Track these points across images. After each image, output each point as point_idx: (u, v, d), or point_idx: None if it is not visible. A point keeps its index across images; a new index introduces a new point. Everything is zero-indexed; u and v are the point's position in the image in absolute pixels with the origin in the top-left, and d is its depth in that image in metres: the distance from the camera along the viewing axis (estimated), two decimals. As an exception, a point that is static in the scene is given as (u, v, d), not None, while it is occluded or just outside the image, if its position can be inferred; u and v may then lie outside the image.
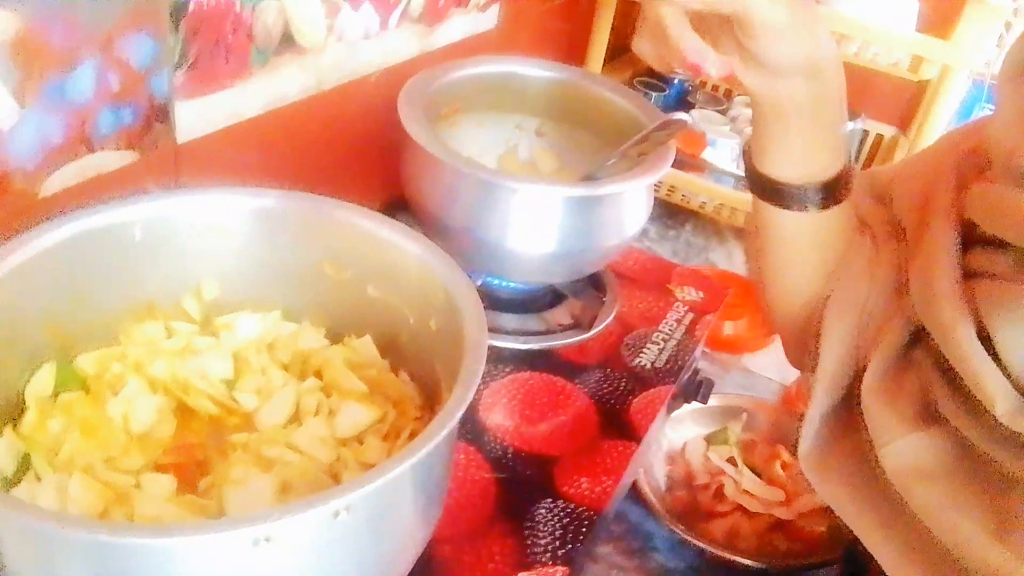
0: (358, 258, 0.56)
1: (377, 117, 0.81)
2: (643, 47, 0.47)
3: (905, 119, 1.30)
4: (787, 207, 0.52)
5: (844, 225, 0.54)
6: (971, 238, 0.46)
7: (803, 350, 0.54)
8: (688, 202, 1.18)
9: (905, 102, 1.25)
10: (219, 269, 0.57)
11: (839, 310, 0.51)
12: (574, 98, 0.90)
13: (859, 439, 0.48)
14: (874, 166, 1.32)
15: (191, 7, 0.60)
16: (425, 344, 0.54)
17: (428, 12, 0.89)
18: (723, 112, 1.29)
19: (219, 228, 0.55)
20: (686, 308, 0.87)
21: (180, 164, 0.66)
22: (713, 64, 0.45)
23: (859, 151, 1.29)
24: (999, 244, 0.44)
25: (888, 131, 1.31)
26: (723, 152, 1.18)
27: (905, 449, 0.44)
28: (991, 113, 0.48)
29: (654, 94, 1.24)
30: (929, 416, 0.45)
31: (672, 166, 0.73)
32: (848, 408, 0.50)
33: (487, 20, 1.01)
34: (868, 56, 0.99)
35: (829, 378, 0.50)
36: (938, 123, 1.23)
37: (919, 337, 0.48)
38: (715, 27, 0.46)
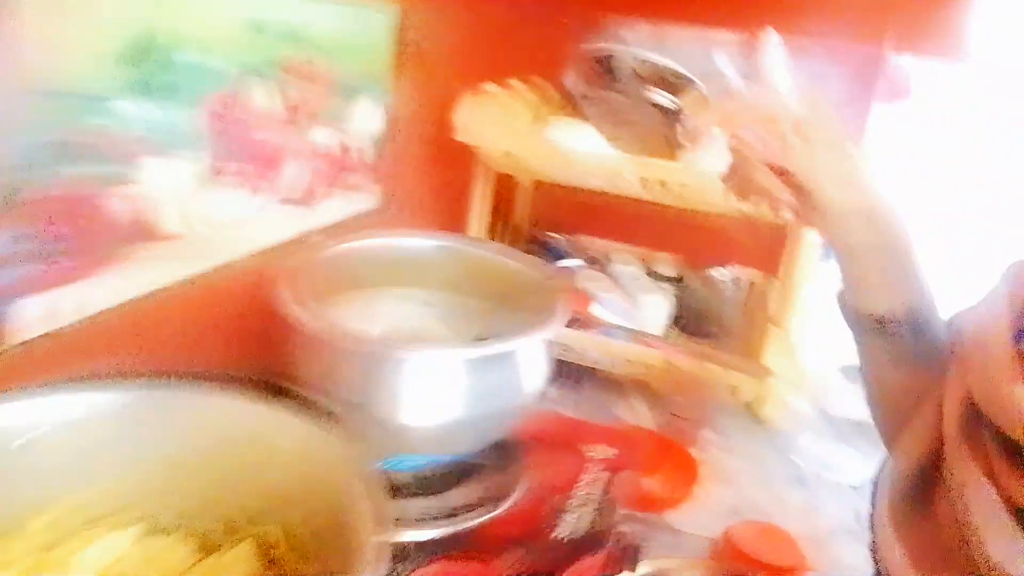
0: (229, 452, 0.50)
1: (253, 300, 0.76)
2: (736, 190, 0.57)
3: (771, 263, 1.36)
4: (878, 336, 0.57)
5: (933, 360, 0.57)
6: None
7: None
8: (583, 359, 1.16)
9: (768, 246, 1.31)
10: (69, 480, 0.49)
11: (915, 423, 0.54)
12: (461, 265, 0.89)
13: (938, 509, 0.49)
14: (750, 304, 1.37)
15: (32, 195, 0.56)
16: (311, 550, 0.47)
17: (306, 193, 0.88)
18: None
19: (65, 432, 0.48)
20: (600, 467, 0.82)
21: (23, 364, 0.58)
22: (787, 201, 0.54)
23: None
24: None
25: (757, 276, 1.37)
26: (610, 306, 1.19)
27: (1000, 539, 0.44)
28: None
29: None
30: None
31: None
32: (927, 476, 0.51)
33: (369, 199, 1.01)
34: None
35: (910, 456, 0.53)
36: (804, 261, 1.30)
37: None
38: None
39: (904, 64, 1.27)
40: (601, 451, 0.85)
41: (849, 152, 0.54)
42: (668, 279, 1.32)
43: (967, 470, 0.46)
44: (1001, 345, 0.47)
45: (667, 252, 1.40)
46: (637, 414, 1.13)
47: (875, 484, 0.56)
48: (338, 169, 0.94)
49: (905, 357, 0.58)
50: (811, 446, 1.10)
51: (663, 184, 1.06)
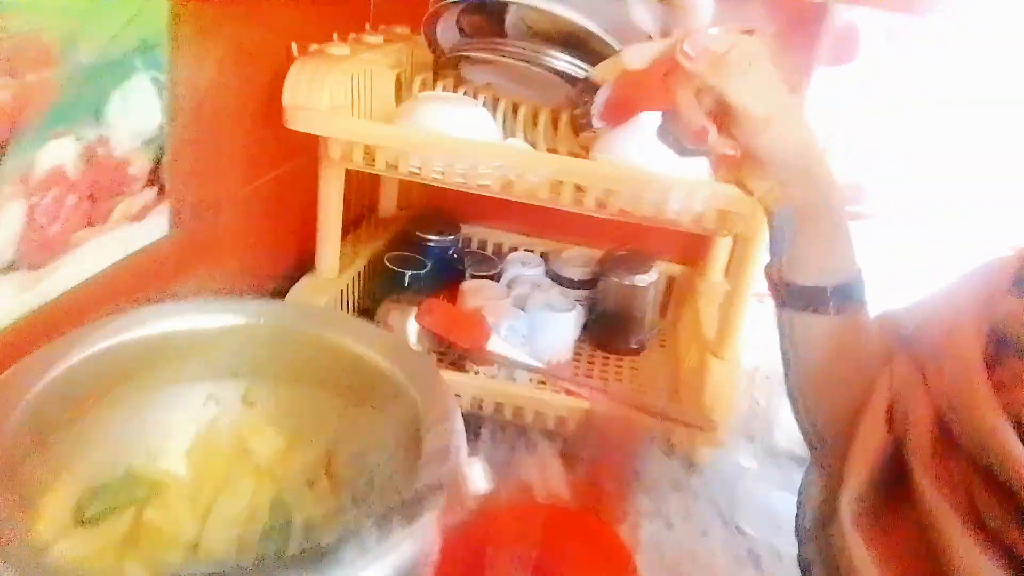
0: None
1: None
2: (666, 124, 0.55)
3: (691, 256, 1.13)
4: (804, 309, 0.55)
5: (864, 343, 0.56)
6: (1001, 353, 0.47)
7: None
8: (476, 408, 0.90)
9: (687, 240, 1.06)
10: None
11: (866, 426, 0.52)
12: (292, 346, 0.60)
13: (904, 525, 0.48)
14: (671, 304, 1.14)
15: None
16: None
17: (29, 248, 0.55)
18: (496, 277, 1.05)
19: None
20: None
21: None
22: (716, 139, 0.52)
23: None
24: None
25: (678, 270, 1.14)
26: (511, 335, 0.92)
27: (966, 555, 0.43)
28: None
29: (408, 272, 0.98)
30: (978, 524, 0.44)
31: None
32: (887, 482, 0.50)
33: (150, 230, 0.69)
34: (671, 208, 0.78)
35: (865, 462, 0.50)
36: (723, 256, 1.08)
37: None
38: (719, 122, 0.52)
39: (851, 22, 1.03)
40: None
41: (790, 100, 0.53)
42: (578, 284, 1.06)
43: (940, 504, 0.45)
44: (975, 372, 0.46)
45: (576, 246, 1.14)
46: (549, 473, 0.88)
47: (803, 489, 0.57)
48: (91, 194, 0.61)
49: (837, 339, 0.56)
50: (754, 496, 0.89)
51: (579, 190, 0.78)
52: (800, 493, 0.60)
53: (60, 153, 0.56)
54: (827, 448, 0.59)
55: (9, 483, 0.46)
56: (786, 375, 0.60)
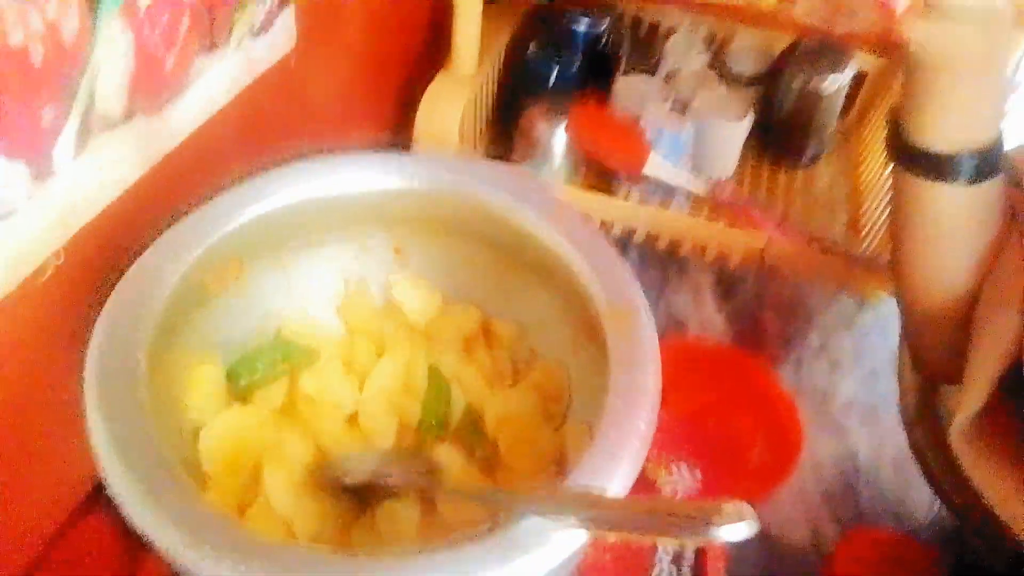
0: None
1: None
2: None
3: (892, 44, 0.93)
4: (937, 179, 0.48)
5: (995, 206, 0.50)
6: None
7: (943, 352, 0.51)
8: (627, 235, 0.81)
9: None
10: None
11: (996, 305, 0.48)
12: (448, 205, 0.52)
13: (1018, 439, 0.46)
14: (856, 104, 0.97)
15: None
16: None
17: (145, 90, 0.47)
18: (654, 70, 0.90)
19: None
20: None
21: None
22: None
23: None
24: None
25: (870, 62, 0.94)
26: (673, 150, 0.80)
27: None
28: None
29: (555, 68, 0.84)
30: None
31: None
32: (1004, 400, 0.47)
33: (277, 44, 0.59)
34: None
35: (987, 377, 0.46)
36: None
37: None
38: None
39: None
40: (679, 476, 0.56)
41: None
42: (750, 80, 0.90)
43: None
44: None
45: (748, 28, 0.95)
46: (704, 310, 0.81)
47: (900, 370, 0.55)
48: (208, 10, 0.51)
49: (966, 210, 0.49)
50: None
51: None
52: (898, 367, 0.57)
53: (168, -40, 0.46)
54: (930, 328, 0.54)
55: (160, 364, 0.42)
56: (896, 244, 0.53)
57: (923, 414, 0.55)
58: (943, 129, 0.48)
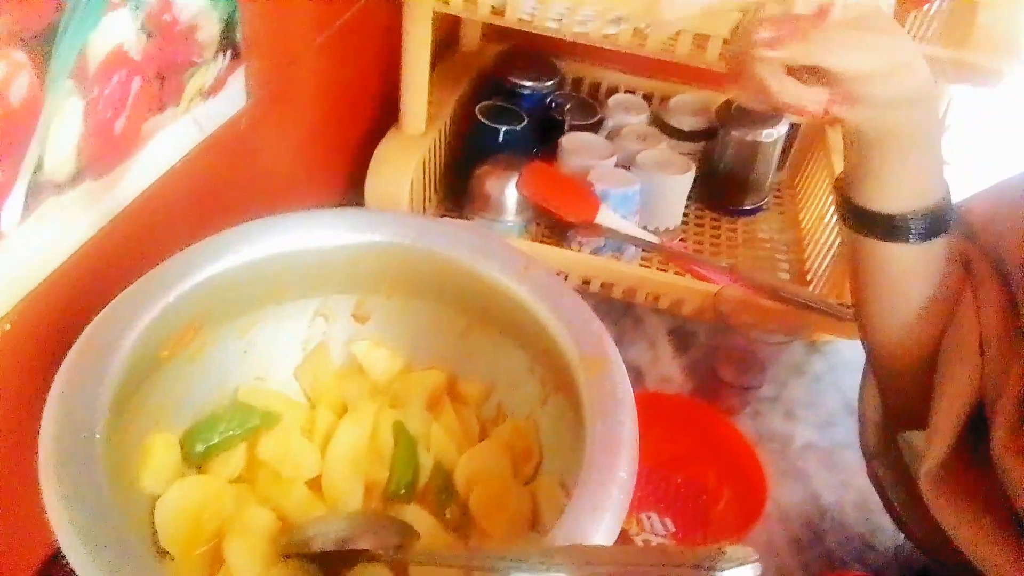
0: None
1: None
2: (743, 96, 0.47)
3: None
4: (888, 240, 0.50)
5: (948, 260, 0.51)
6: None
7: (910, 398, 0.52)
8: (588, 285, 0.82)
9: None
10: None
11: (955, 355, 0.49)
12: (408, 261, 0.51)
13: (985, 481, 0.46)
14: (792, 153, 1.01)
15: None
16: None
17: (94, 153, 0.46)
18: (596, 126, 0.93)
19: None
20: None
21: None
22: (812, 101, 0.45)
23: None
24: None
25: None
26: (621, 205, 0.82)
27: None
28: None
29: (503, 128, 0.85)
30: None
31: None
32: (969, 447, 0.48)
33: (228, 103, 0.58)
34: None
35: (951, 424, 0.48)
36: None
37: None
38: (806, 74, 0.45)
39: None
40: (651, 526, 0.55)
41: (904, 41, 0.46)
42: (690, 135, 0.93)
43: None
44: None
45: (687, 86, 0.99)
46: (661, 362, 0.82)
47: (862, 401, 0.56)
48: (158, 72, 0.50)
49: (921, 265, 0.51)
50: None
51: (725, 44, 0.64)
52: (860, 403, 0.58)
53: (118, 29, 0.45)
54: (895, 376, 0.55)
55: (115, 433, 0.40)
56: (856, 301, 0.55)
57: (883, 448, 0.55)
58: (888, 195, 0.49)
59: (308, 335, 0.54)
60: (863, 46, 0.43)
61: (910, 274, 0.51)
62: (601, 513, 0.36)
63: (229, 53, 0.56)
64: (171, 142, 0.53)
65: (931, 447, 0.48)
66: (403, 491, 0.50)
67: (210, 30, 0.54)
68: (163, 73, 0.50)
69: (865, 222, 0.50)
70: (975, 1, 0.64)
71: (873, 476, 0.57)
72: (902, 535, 0.68)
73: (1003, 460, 0.45)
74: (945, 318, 0.51)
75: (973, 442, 0.48)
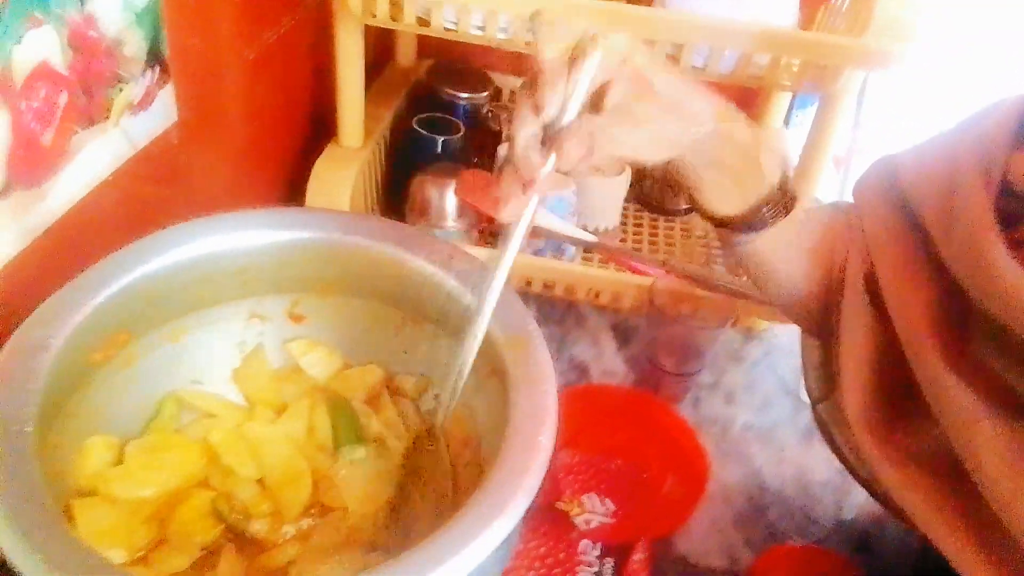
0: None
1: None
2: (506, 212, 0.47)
3: (745, 103, 1.02)
4: (753, 231, 0.52)
5: (819, 221, 0.53)
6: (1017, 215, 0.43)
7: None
8: (530, 286, 0.84)
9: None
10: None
11: (849, 311, 0.51)
12: (341, 259, 0.53)
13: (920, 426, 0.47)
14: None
15: None
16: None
17: (22, 165, 0.47)
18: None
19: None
20: (597, 551, 0.55)
21: None
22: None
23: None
24: None
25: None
26: (560, 206, 0.84)
27: (990, 431, 0.41)
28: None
29: (441, 138, 0.87)
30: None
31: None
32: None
33: (157, 118, 0.59)
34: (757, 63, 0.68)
35: (857, 379, 0.49)
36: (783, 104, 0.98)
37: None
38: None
39: None
40: (592, 508, 0.57)
41: (700, 101, 0.46)
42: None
43: (960, 393, 0.42)
44: (987, 229, 0.41)
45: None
46: (604, 357, 0.84)
47: (803, 350, 0.57)
48: (85, 87, 0.51)
49: (795, 239, 0.53)
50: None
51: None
52: (801, 351, 0.59)
53: (42, 45, 0.46)
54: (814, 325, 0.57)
55: (48, 436, 0.41)
56: (755, 283, 0.57)
57: (826, 391, 0.57)
58: (729, 201, 0.51)
59: (244, 337, 0.54)
60: (634, 132, 0.44)
61: (788, 247, 0.53)
62: (522, 475, 0.37)
63: (157, 69, 0.58)
64: (101, 155, 0.54)
65: (845, 403, 0.49)
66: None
67: (136, 46, 0.55)
68: (90, 88, 0.52)
69: (722, 223, 0.52)
70: (873, -7, 0.68)
71: (819, 419, 0.58)
72: (841, 507, 0.70)
73: (949, 386, 0.44)
74: (837, 267, 0.53)
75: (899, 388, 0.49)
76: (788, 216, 0.52)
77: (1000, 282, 0.40)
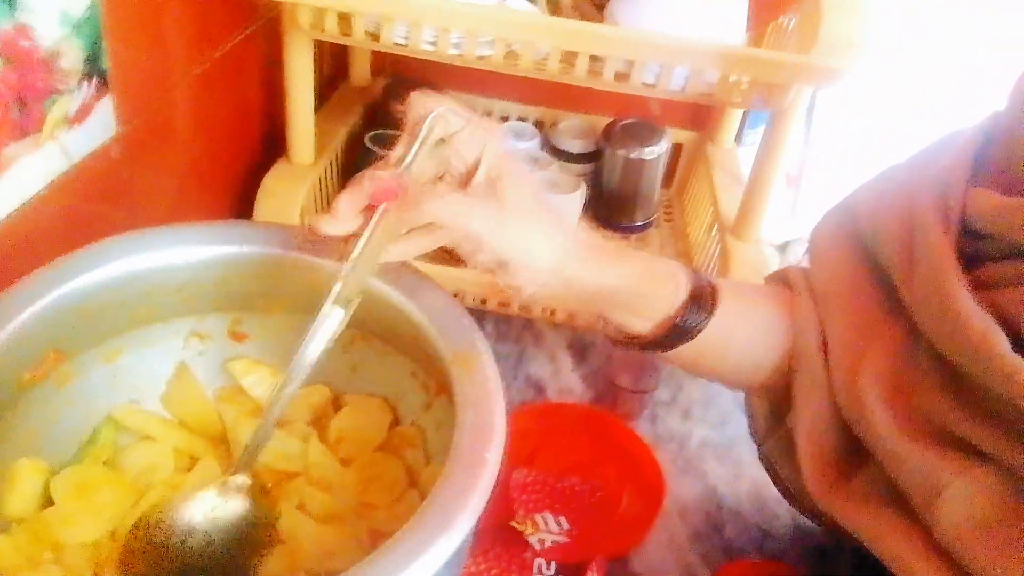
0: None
1: None
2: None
3: (700, 121, 1.03)
4: (677, 343, 0.51)
5: (755, 300, 0.54)
6: (980, 250, 0.43)
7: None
8: (485, 303, 0.84)
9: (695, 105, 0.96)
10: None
11: (802, 372, 0.50)
12: (284, 274, 0.51)
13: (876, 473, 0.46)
14: (677, 172, 1.06)
15: None
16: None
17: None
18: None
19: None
20: (551, 571, 0.54)
21: None
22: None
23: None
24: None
25: (684, 135, 1.04)
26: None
27: (956, 495, 0.40)
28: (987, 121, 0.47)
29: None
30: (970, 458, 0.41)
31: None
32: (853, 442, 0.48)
33: (94, 132, 0.58)
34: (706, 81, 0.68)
35: (813, 442, 0.49)
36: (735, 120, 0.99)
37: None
38: None
39: None
40: (547, 528, 0.56)
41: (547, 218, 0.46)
42: (579, 157, 0.96)
43: (911, 451, 0.42)
44: (950, 271, 0.41)
45: (573, 113, 1.03)
46: (561, 375, 0.83)
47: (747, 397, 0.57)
48: (18, 98, 0.50)
49: (723, 333, 0.52)
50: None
51: (595, 61, 0.67)
52: (746, 396, 0.59)
53: (-33, 52, 0.45)
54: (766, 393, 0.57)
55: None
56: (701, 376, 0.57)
57: (771, 432, 0.57)
58: (642, 320, 0.50)
59: (182, 357, 0.53)
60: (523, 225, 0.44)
61: (726, 340, 0.52)
62: (469, 493, 0.36)
63: (95, 81, 0.56)
64: (34, 169, 0.52)
65: (804, 469, 0.49)
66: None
67: (73, 58, 0.53)
68: (23, 99, 0.50)
69: (654, 344, 0.51)
70: (820, 13, 0.69)
71: (764, 459, 0.58)
72: (798, 521, 0.70)
73: (904, 454, 0.43)
74: (784, 342, 0.52)
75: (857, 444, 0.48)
76: (712, 314, 0.50)
77: (968, 331, 0.39)
